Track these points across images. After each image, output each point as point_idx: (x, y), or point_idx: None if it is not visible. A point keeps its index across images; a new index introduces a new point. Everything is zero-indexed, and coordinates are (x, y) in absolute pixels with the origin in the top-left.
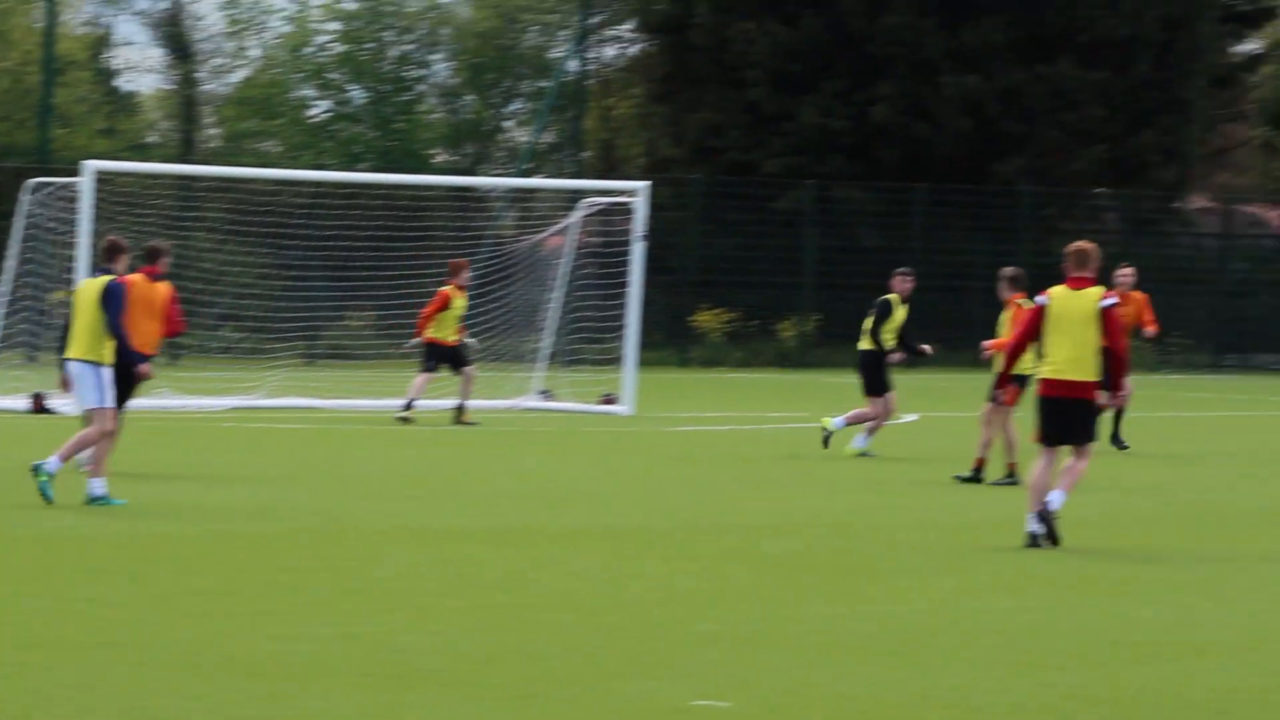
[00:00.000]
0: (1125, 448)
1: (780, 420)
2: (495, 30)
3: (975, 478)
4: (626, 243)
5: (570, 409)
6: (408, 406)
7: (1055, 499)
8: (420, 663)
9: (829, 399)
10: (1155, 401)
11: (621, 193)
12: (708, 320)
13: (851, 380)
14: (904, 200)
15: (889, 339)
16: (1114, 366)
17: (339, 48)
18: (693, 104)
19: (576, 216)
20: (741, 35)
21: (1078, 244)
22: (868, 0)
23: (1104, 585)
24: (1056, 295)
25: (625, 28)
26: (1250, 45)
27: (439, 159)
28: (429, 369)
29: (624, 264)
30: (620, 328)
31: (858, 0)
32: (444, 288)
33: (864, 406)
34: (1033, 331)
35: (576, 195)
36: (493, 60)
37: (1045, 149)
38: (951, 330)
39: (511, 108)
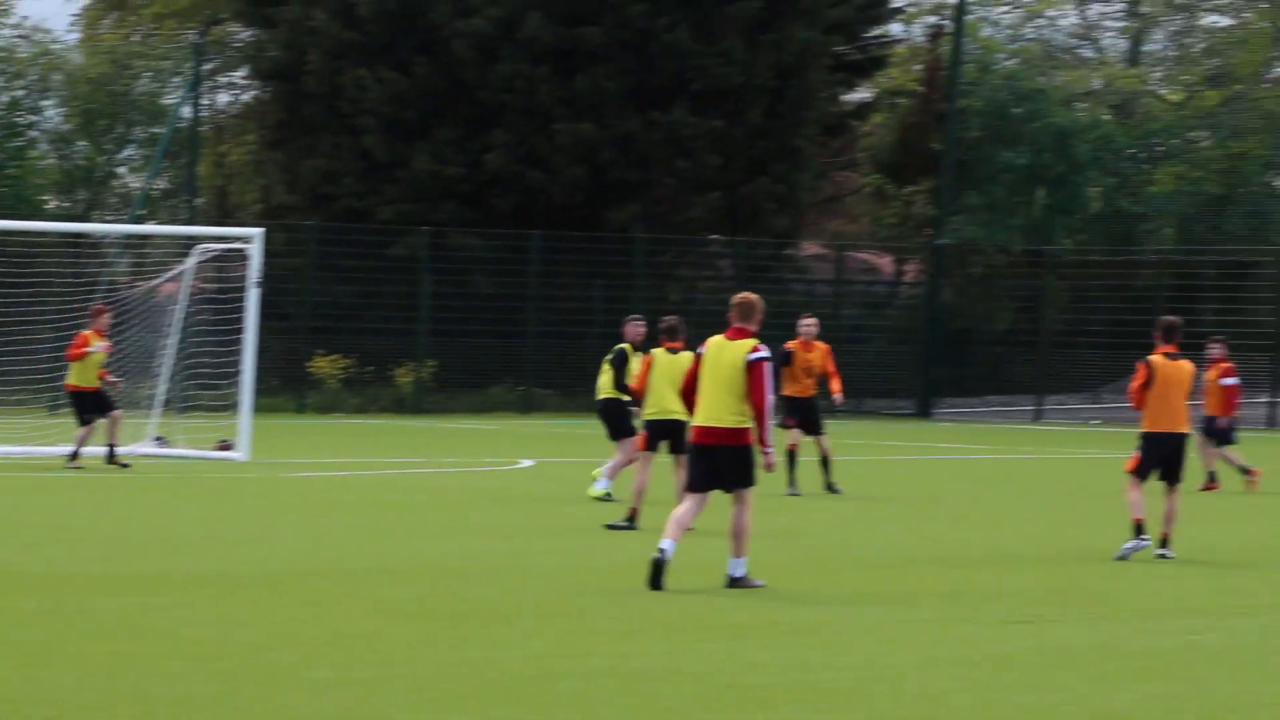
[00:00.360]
0: (837, 492)
1: (398, 466)
2: (107, 76)
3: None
4: (242, 289)
5: (186, 455)
6: (75, 455)
7: (733, 566)
8: (31, 712)
9: (446, 444)
10: None
11: (236, 239)
12: (324, 366)
13: (470, 426)
14: (519, 247)
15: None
16: (757, 420)
17: None
18: (307, 151)
19: (191, 262)
20: (354, 82)
21: (742, 295)
22: (480, 48)
23: (722, 629)
24: (712, 344)
25: (238, 74)
26: (860, 94)
27: (51, 205)
28: (84, 421)
29: (239, 310)
30: (236, 374)
31: (469, 48)
32: (84, 331)
33: (614, 455)
34: (692, 379)
35: (191, 241)
36: (105, 106)
37: (660, 196)
38: (568, 376)
39: (125, 154)
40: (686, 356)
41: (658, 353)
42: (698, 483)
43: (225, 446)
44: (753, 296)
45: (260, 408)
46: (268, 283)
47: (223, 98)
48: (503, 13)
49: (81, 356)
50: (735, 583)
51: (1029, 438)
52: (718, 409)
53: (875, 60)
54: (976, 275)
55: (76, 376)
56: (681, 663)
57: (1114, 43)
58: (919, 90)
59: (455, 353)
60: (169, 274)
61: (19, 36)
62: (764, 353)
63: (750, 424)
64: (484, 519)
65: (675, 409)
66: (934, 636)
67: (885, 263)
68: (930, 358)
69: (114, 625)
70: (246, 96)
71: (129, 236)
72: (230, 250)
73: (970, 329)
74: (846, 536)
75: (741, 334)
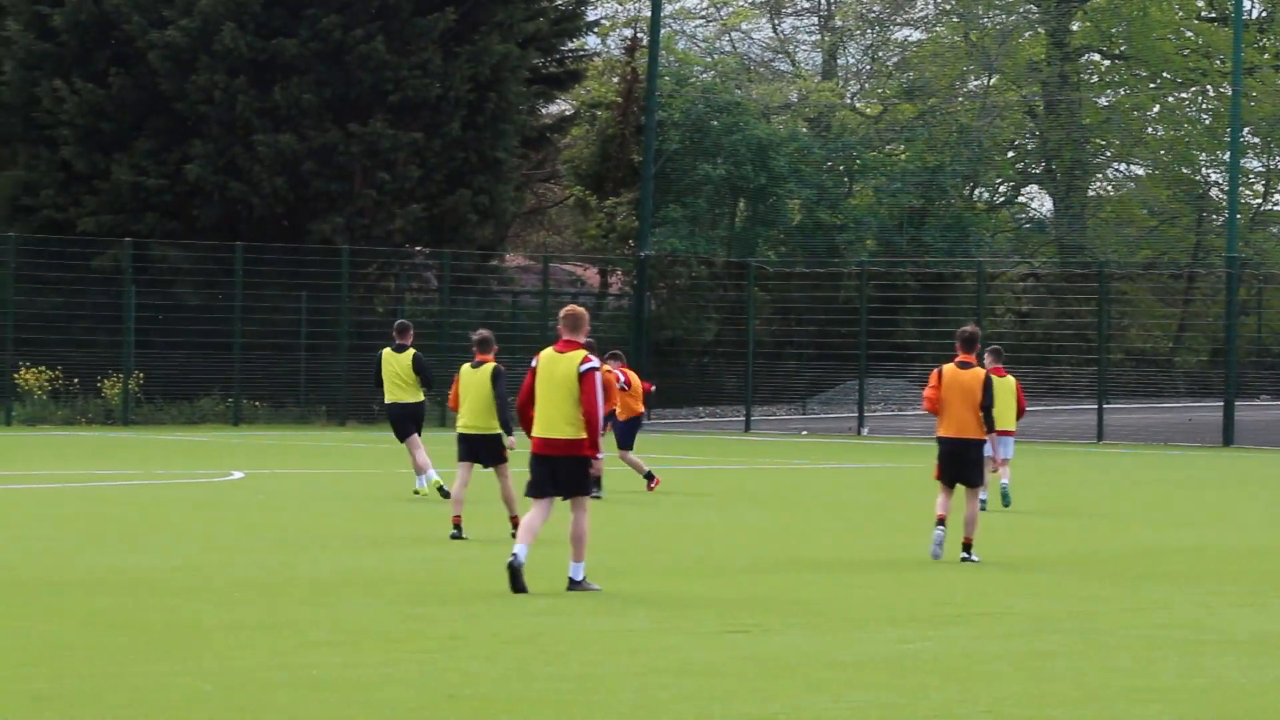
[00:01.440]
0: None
1: (109, 478)
2: None
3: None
4: None
5: None
6: None
7: (574, 570)
8: None
9: (156, 456)
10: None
11: None
12: (30, 378)
13: (180, 437)
14: (223, 259)
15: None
16: (589, 427)
17: None
18: (4, 162)
19: None
20: (50, 93)
21: (570, 308)
22: (176, 59)
23: (441, 640)
24: (544, 358)
25: None
26: (559, 107)
27: None
28: None
29: None
30: None
31: (166, 59)
32: None
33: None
34: (528, 392)
35: None
36: None
37: (362, 208)
38: (277, 388)
39: None
40: (486, 370)
41: (465, 368)
42: (540, 489)
43: None
44: (580, 309)
45: None
46: None
47: None
48: (197, 24)
49: None
50: (575, 585)
51: (739, 448)
52: (555, 420)
53: (573, 73)
54: (681, 286)
55: None
56: (399, 673)
57: (809, 56)
58: (618, 103)
59: (163, 364)
60: None
61: None
62: (594, 363)
63: (584, 434)
64: (197, 530)
65: (482, 424)
66: (649, 645)
67: (591, 274)
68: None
69: None
70: None
71: None
72: None
73: (677, 339)
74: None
75: (571, 345)
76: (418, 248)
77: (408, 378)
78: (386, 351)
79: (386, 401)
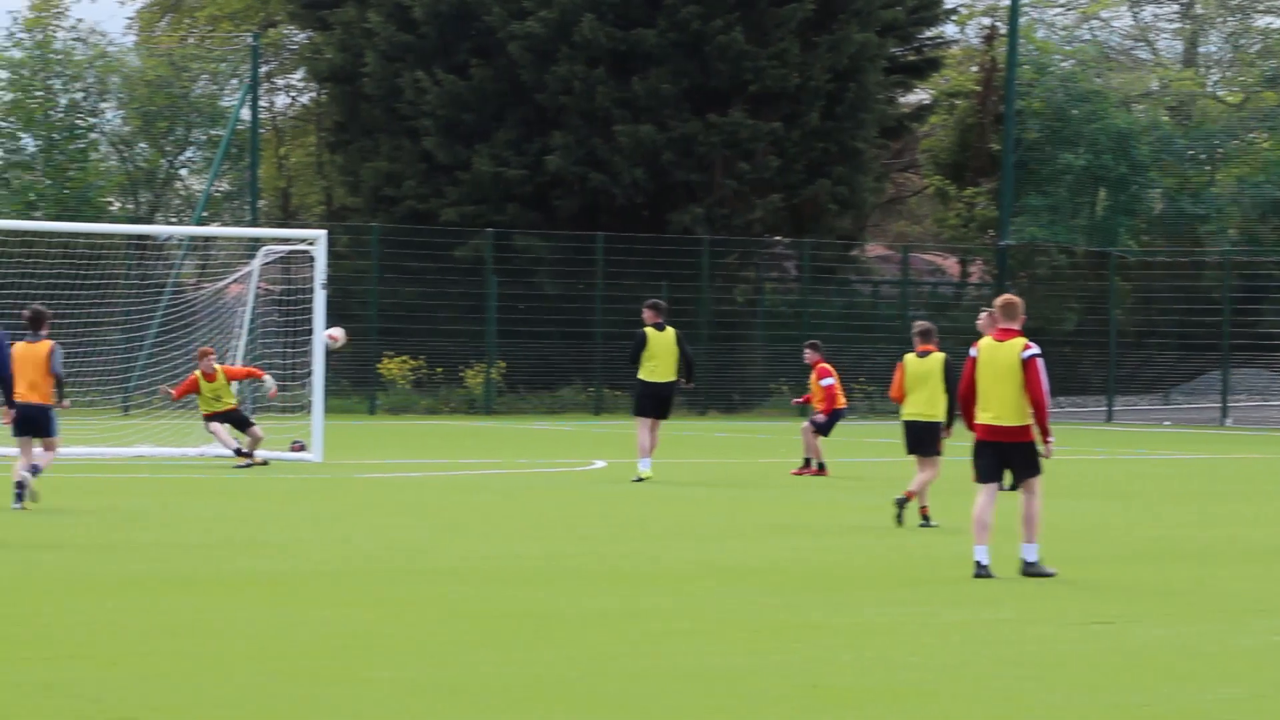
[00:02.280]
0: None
1: (470, 467)
2: (165, 78)
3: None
4: (308, 290)
5: (259, 455)
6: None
7: (1027, 552)
8: (116, 712)
9: (518, 445)
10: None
11: (300, 240)
12: (394, 368)
13: (541, 427)
14: (584, 249)
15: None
16: (1037, 412)
17: (7, 95)
18: (367, 153)
19: (256, 264)
20: (412, 84)
21: (1005, 297)
22: (536, 50)
23: (800, 630)
24: (984, 346)
25: (295, 77)
26: (918, 96)
27: (115, 207)
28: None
29: (307, 311)
30: (306, 375)
31: (526, 50)
32: (193, 374)
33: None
34: (968, 382)
35: (255, 243)
36: (164, 108)
37: (721, 198)
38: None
39: (186, 155)
40: (936, 359)
41: (910, 358)
42: (987, 474)
43: (298, 447)
44: (1015, 298)
45: (331, 409)
46: (334, 284)
47: (281, 100)
48: (556, 15)
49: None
50: (1030, 568)
51: (1101, 438)
52: (1002, 407)
53: (931, 62)
54: (1042, 276)
55: (204, 406)
56: (763, 662)
57: (1170, 44)
58: (976, 91)
59: (524, 354)
60: (235, 275)
61: (76, 39)
62: (1035, 350)
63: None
64: (558, 520)
65: (930, 412)
66: (1015, 636)
67: (950, 264)
68: None
69: (190, 625)
70: (305, 99)
71: (193, 238)
72: (295, 252)
73: (1037, 330)
74: (913, 538)
75: (1009, 334)
76: (777, 238)
77: (668, 355)
78: (650, 331)
79: (649, 380)
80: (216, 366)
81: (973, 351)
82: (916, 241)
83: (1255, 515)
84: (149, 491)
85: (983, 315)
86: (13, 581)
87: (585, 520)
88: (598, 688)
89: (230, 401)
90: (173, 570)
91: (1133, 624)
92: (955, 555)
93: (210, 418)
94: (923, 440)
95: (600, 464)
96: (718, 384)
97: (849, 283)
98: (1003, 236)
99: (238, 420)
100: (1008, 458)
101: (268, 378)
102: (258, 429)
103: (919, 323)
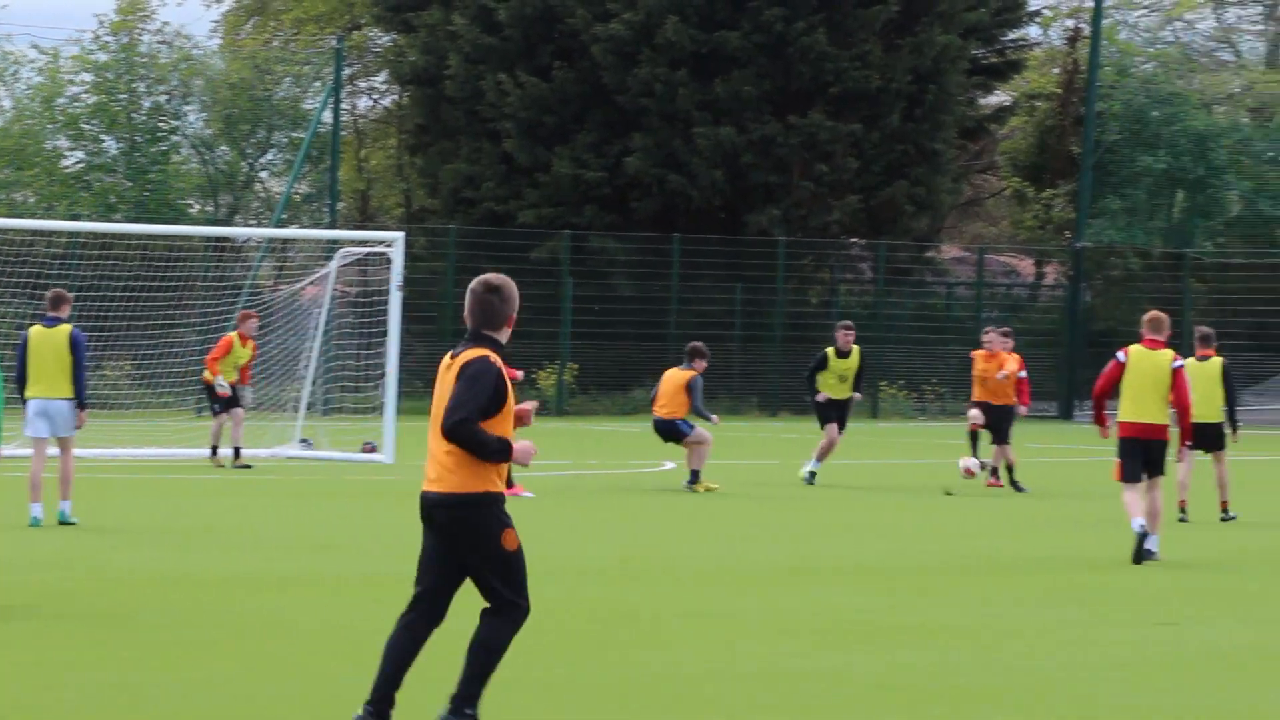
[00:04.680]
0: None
1: (542, 468)
2: (248, 81)
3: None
4: (384, 292)
5: (331, 457)
6: (214, 451)
7: (1149, 542)
8: (188, 712)
9: (590, 446)
10: (913, 448)
11: (378, 243)
12: None
13: (613, 428)
14: (660, 250)
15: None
16: (1182, 417)
17: (91, 98)
18: (447, 155)
19: (333, 266)
20: (494, 87)
21: (1154, 313)
22: (619, 53)
23: (868, 630)
24: (1134, 353)
25: (378, 79)
26: (998, 97)
27: (195, 209)
28: (214, 411)
29: (383, 313)
30: (380, 376)
31: (608, 52)
32: (229, 334)
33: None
34: (1110, 383)
35: (333, 245)
36: (246, 111)
37: (799, 199)
38: (710, 379)
39: (266, 158)
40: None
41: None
42: (1136, 473)
43: (370, 449)
44: (1162, 314)
45: (404, 410)
46: (410, 286)
47: (363, 102)
48: (640, 17)
49: (219, 360)
50: (1146, 555)
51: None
52: (1148, 409)
53: (1012, 64)
54: (1117, 278)
55: (228, 372)
56: (826, 662)
57: (1252, 46)
58: (1057, 93)
59: (597, 355)
60: (312, 277)
61: (161, 42)
62: (1181, 361)
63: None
64: (631, 520)
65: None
66: (1081, 638)
67: (1025, 265)
68: (1072, 360)
69: (266, 625)
70: (386, 101)
71: (272, 240)
72: (372, 254)
73: (1111, 331)
74: (985, 538)
75: (1157, 345)
76: (853, 239)
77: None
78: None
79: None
80: (253, 339)
81: (1121, 356)
82: (992, 243)
83: None
84: (225, 492)
85: (988, 332)
86: (90, 583)
87: (655, 520)
88: (672, 689)
89: (233, 379)
90: (251, 570)
91: (1198, 625)
92: (1021, 557)
93: (209, 388)
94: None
95: (669, 465)
96: (789, 386)
97: (924, 284)
98: (1079, 238)
99: (230, 397)
100: (1150, 454)
101: (250, 391)
102: (241, 410)
103: (1201, 328)
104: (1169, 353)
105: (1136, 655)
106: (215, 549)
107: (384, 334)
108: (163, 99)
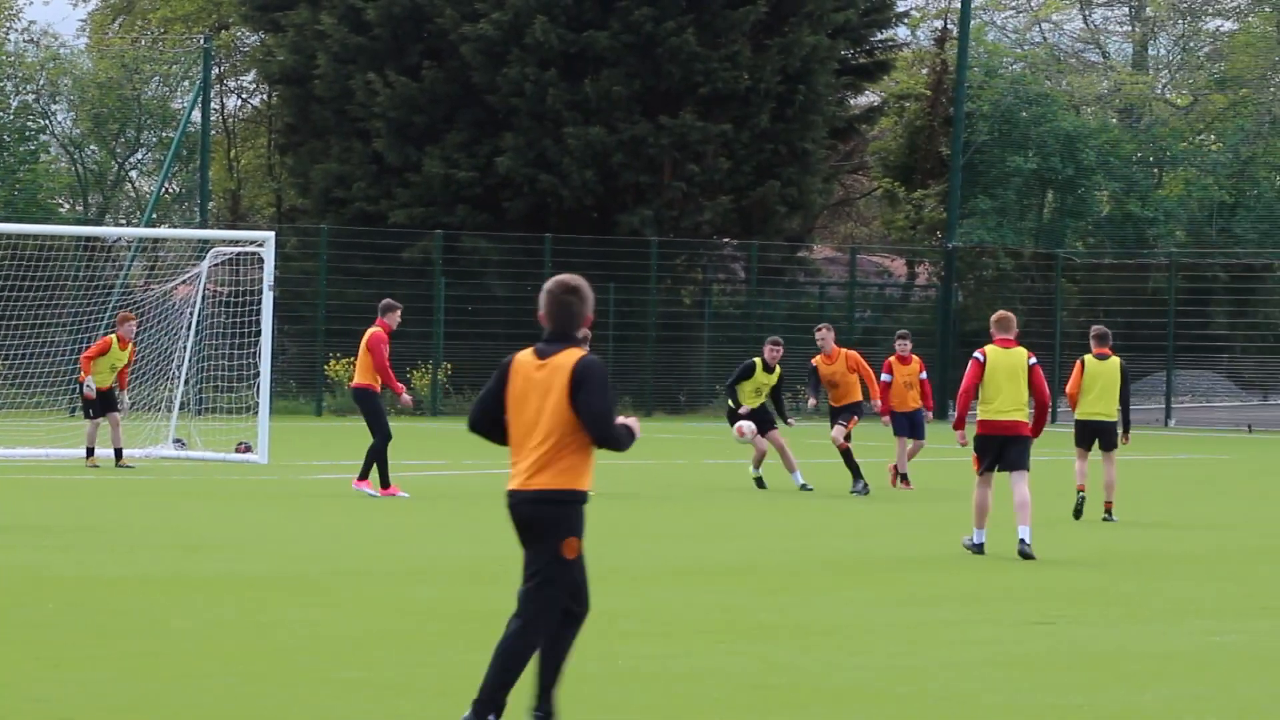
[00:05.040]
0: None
1: (415, 468)
2: (116, 81)
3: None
4: (256, 292)
5: (205, 457)
6: (90, 453)
7: (1023, 532)
8: (58, 712)
9: (463, 446)
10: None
11: (249, 242)
12: (340, 369)
13: None
14: (532, 250)
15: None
16: (1039, 412)
17: None
18: (318, 154)
19: (205, 266)
20: (364, 86)
21: (1002, 312)
22: (488, 53)
23: (746, 630)
24: (992, 352)
25: (247, 78)
26: (868, 98)
27: (64, 209)
28: (88, 415)
29: (255, 313)
30: (253, 376)
31: (478, 52)
32: (107, 335)
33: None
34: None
35: (204, 245)
36: (115, 110)
37: (670, 200)
38: None
39: (136, 157)
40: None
41: (1089, 359)
42: (991, 466)
43: (244, 449)
44: (1010, 313)
45: (278, 410)
46: (283, 286)
47: (232, 102)
48: (508, 17)
49: (89, 361)
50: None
51: (1050, 440)
52: (1006, 406)
53: (881, 64)
54: (988, 278)
55: (101, 377)
56: (709, 663)
57: (1120, 47)
58: (926, 94)
59: (471, 355)
60: (184, 277)
61: (28, 41)
62: (1036, 359)
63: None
64: (502, 520)
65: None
66: (957, 637)
67: (898, 265)
68: (944, 359)
69: (140, 627)
70: (256, 100)
71: (143, 240)
72: (244, 253)
73: (983, 331)
74: (861, 537)
75: (1009, 343)
76: (725, 239)
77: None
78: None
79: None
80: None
81: (979, 357)
82: (864, 243)
83: (1195, 518)
84: (98, 493)
85: (821, 329)
86: None
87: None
88: (571, 689)
89: (110, 381)
90: (124, 571)
91: (1076, 624)
92: (898, 556)
93: (92, 398)
94: (1103, 436)
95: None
96: (663, 385)
97: (797, 284)
98: (950, 238)
99: (108, 400)
100: (1005, 449)
101: (126, 396)
102: (118, 414)
103: (1097, 327)
104: (1024, 350)
105: (1014, 654)
106: (87, 550)
107: (257, 334)
108: (30, 98)
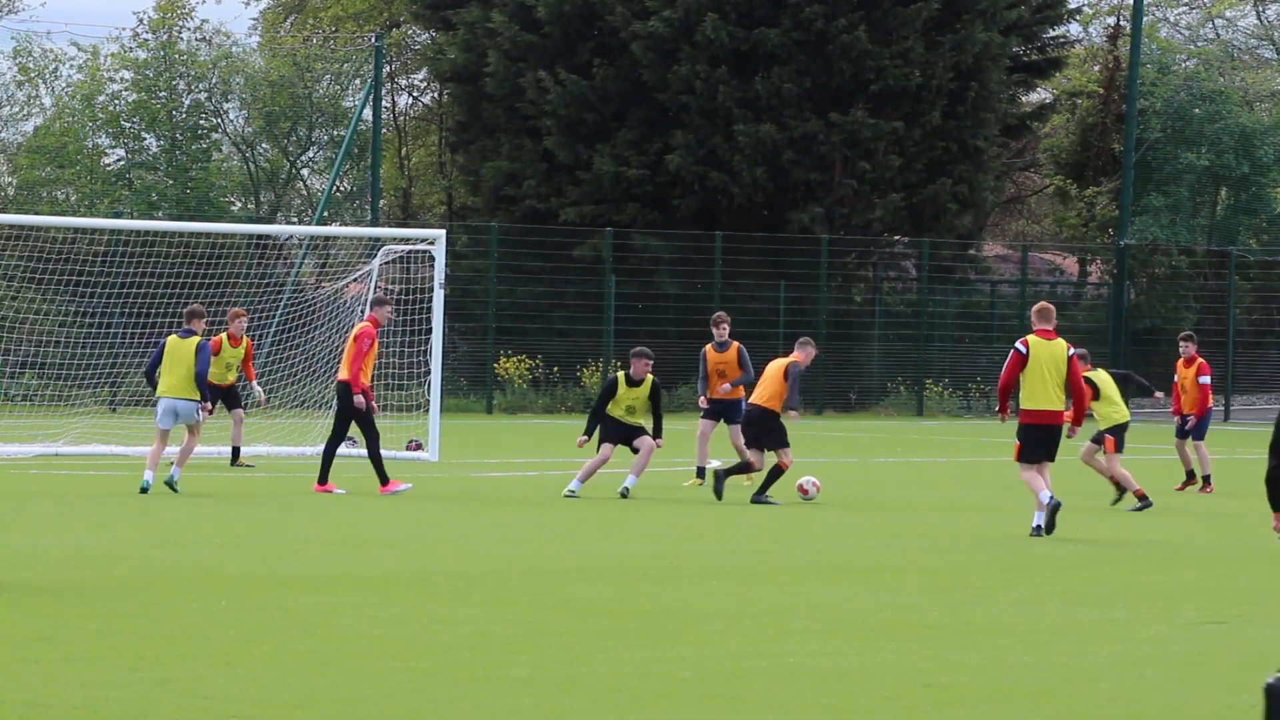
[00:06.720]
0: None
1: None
2: (288, 79)
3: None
4: (427, 290)
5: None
6: (235, 454)
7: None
8: (230, 709)
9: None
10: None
11: (420, 240)
12: (510, 367)
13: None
14: (702, 248)
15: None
16: (1077, 402)
17: (131, 96)
18: (488, 152)
19: (376, 264)
20: (534, 84)
21: (1043, 303)
22: (658, 50)
23: (915, 629)
24: (1033, 342)
25: (418, 77)
26: (1039, 95)
27: (236, 207)
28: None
29: (425, 311)
30: (424, 374)
31: (648, 50)
32: (217, 335)
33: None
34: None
35: (375, 243)
36: (286, 109)
37: (842, 197)
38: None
39: (307, 156)
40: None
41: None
42: (1037, 456)
43: (415, 447)
44: (1050, 305)
45: (448, 408)
46: (453, 284)
47: (403, 100)
48: (679, 15)
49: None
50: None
51: (1221, 438)
52: (1048, 396)
53: (1053, 61)
54: (1161, 275)
55: (217, 375)
56: (874, 661)
57: None
58: (1098, 91)
59: None
60: (354, 275)
61: (200, 40)
62: (1074, 350)
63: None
64: (671, 519)
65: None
66: (1128, 636)
67: (1069, 263)
68: (1116, 357)
69: (311, 624)
70: (426, 99)
71: (314, 238)
72: (414, 251)
73: (1155, 329)
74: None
75: (1049, 334)
76: (896, 237)
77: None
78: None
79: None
80: (245, 336)
81: (1021, 348)
82: (1036, 241)
83: None
84: (268, 491)
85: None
86: (131, 578)
87: (696, 520)
88: (712, 686)
89: (232, 378)
90: (295, 569)
91: (1248, 624)
92: (1057, 558)
93: (216, 391)
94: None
95: (715, 463)
96: (834, 384)
97: (968, 282)
98: (1122, 236)
99: (231, 397)
100: (1049, 437)
101: (258, 386)
102: (241, 411)
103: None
104: (1063, 341)
105: (1186, 653)
106: (258, 547)
107: (428, 332)
108: (203, 96)
